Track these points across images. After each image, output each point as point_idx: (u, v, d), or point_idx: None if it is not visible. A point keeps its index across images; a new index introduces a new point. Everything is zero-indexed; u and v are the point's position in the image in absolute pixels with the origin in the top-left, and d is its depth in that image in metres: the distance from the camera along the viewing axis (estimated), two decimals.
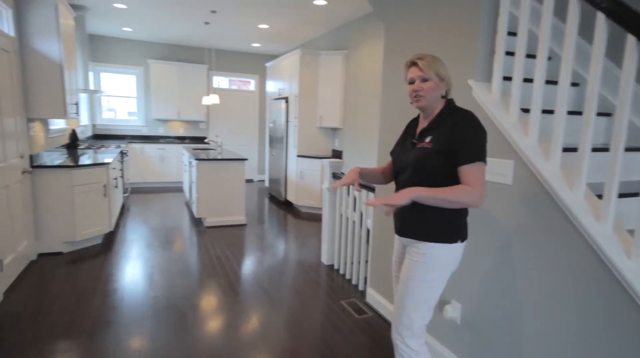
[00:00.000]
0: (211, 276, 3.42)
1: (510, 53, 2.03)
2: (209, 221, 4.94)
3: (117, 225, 4.83)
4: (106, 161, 4.11)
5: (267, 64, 7.21)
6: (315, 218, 5.61)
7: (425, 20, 2.35)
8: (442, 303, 2.19)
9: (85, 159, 4.15)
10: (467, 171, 1.46)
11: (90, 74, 6.91)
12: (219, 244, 4.30)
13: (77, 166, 3.69)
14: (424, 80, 1.53)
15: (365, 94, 5.20)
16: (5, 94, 3.06)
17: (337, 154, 5.96)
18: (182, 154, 7.21)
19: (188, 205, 6.04)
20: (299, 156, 5.85)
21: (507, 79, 1.98)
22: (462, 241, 1.59)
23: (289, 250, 4.21)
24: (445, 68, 1.55)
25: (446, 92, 1.59)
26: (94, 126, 7.36)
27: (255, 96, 8.53)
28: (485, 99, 1.94)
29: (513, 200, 1.81)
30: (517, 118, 1.85)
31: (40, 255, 3.67)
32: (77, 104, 3.96)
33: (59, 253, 3.74)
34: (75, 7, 5.12)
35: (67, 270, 3.39)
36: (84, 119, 6.68)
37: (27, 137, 3.50)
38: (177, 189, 7.37)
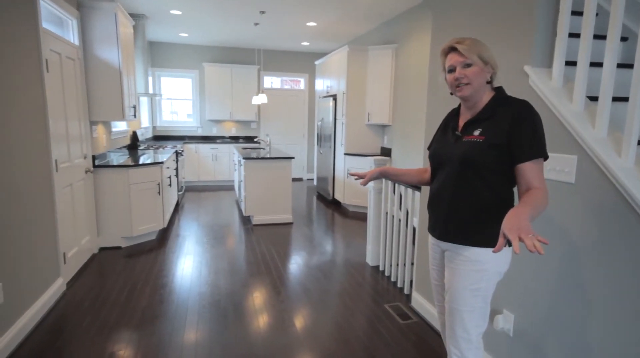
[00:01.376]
0: (256, 274, 3.45)
1: (573, 35, 1.80)
2: (257, 219, 5.02)
3: (171, 221, 5.06)
4: (160, 160, 4.31)
5: (316, 62, 7.19)
6: (362, 218, 5.49)
7: (475, 5, 2.16)
8: (492, 313, 1.99)
9: (142, 159, 4.39)
10: (530, 169, 1.31)
11: (150, 79, 7.34)
12: (265, 242, 4.35)
13: (133, 165, 3.90)
14: (467, 65, 1.37)
15: (415, 89, 4.98)
16: (71, 99, 3.31)
17: (385, 152, 5.79)
18: (233, 153, 7.43)
19: (238, 203, 6.20)
20: (346, 154, 5.76)
21: (570, 64, 1.75)
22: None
23: (334, 250, 4.14)
24: (489, 50, 1.39)
25: (491, 77, 1.41)
26: (154, 127, 7.82)
27: (305, 95, 8.57)
28: (544, 87, 1.72)
29: (575, 201, 1.59)
30: (582, 107, 1.62)
31: (102, 249, 3.93)
32: (134, 107, 4.21)
33: (118, 248, 3.99)
34: (134, 15, 5.44)
35: (124, 264, 3.60)
36: (145, 121, 7.11)
37: (90, 139, 3.76)
38: (229, 187, 7.61)
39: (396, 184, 3.23)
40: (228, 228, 4.84)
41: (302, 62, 8.40)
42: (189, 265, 3.60)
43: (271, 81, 8.56)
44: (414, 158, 5.01)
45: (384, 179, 3.48)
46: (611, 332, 1.45)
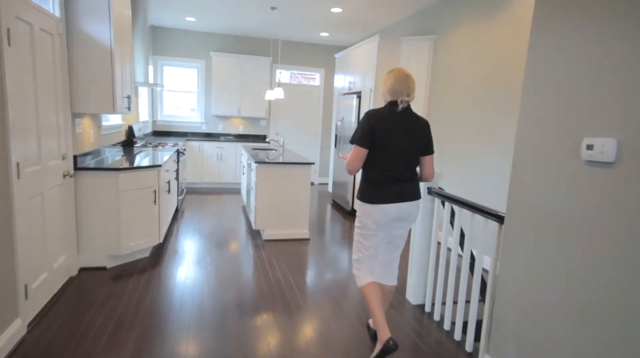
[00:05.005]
0: (268, 307, 2.73)
1: None
2: (268, 233, 4.31)
3: (169, 232, 4.35)
4: (158, 163, 3.60)
5: (337, 55, 6.46)
6: None
7: None
8: None
9: (137, 160, 3.68)
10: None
11: (151, 68, 6.63)
12: (278, 263, 3.63)
13: (124, 168, 3.19)
14: None
15: (458, 86, 4.26)
16: (46, 83, 2.59)
17: None
18: (240, 153, 6.71)
19: (245, 211, 5.49)
20: None
21: None
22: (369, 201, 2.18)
23: None
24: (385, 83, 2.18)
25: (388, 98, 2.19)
26: (154, 122, 7.11)
27: (320, 91, 7.85)
28: None
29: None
30: None
31: (83, 269, 3.22)
32: (129, 97, 3.49)
33: (103, 268, 3.28)
34: None
35: (109, 290, 2.89)
36: (144, 115, 6.40)
37: (72, 135, 3.05)
38: (234, 190, 6.90)
39: (454, 206, 2.52)
40: (234, 243, 4.13)
41: (320, 55, 7.67)
42: (187, 294, 2.89)
43: (283, 75, 7.84)
44: (454, 162, 4.29)
45: (435, 199, 2.77)
46: None
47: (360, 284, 2.22)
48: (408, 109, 2.17)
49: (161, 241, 3.70)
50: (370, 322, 2.51)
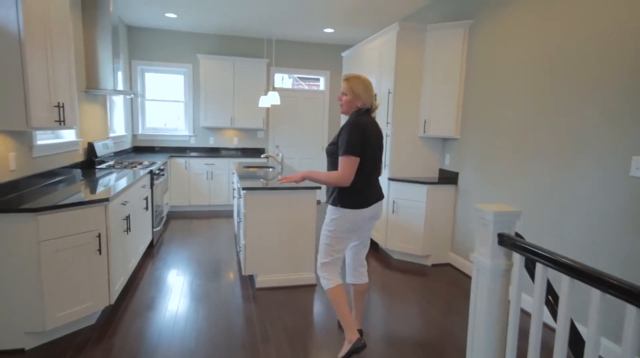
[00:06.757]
0: None
1: None
2: (262, 279, 3.30)
3: (133, 281, 3.35)
4: (112, 193, 2.63)
5: (344, 54, 5.50)
6: (414, 271, 3.76)
7: None
8: None
9: (81, 192, 2.71)
10: (340, 160, 2.15)
11: (123, 74, 5.71)
12: (276, 327, 2.62)
13: (46, 208, 2.21)
14: (344, 94, 2.25)
15: (509, 83, 3.26)
16: None
17: (447, 177, 4.06)
18: (232, 172, 5.74)
19: (237, 241, 4.49)
20: (391, 179, 4.03)
21: None
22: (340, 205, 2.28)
23: (400, 342, 2.40)
24: (360, 86, 2.22)
25: (362, 105, 2.24)
26: (134, 136, 6.17)
27: (325, 97, 6.88)
28: None
29: None
30: None
31: None
32: (62, 107, 2.52)
33: (20, 351, 2.28)
34: None
35: None
36: (120, 128, 5.46)
37: None
38: (227, 213, 5.91)
39: (542, 266, 1.51)
40: (218, 296, 3.12)
41: (323, 56, 6.72)
42: None
43: (282, 78, 6.90)
44: (499, 186, 3.26)
45: (515, 254, 1.75)
46: None
47: (328, 286, 2.30)
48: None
49: (112, 302, 2.70)
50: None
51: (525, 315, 2.91)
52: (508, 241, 1.75)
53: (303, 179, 2.29)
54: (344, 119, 5.02)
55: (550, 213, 2.82)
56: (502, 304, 1.84)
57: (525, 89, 3.06)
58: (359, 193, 2.20)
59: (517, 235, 1.79)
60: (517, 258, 1.71)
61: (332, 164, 2.25)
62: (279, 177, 2.71)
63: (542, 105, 2.91)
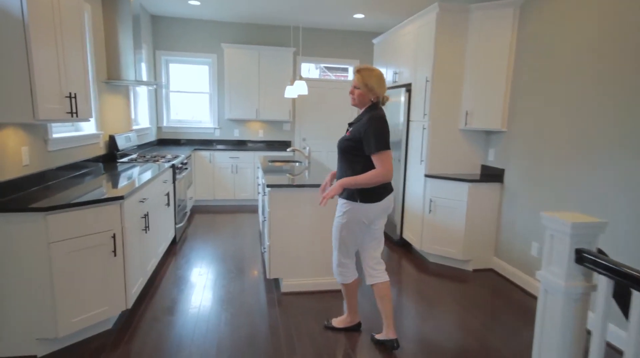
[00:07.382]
0: None
1: None
2: (288, 283, 3.07)
3: (152, 282, 3.20)
4: (131, 190, 2.45)
5: (375, 40, 5.15)
6: (453, 276, 3.44)
7: None
8: None
9: (103, 187, 2.54)
10: (374, 158, 2.10)
11: (147, 65, 5.59)
12: (302, 335, 2.39)
13: (56, 207, 2.04)
14: (356, 87, 2.19)
15: (563, 73, 2.86)
16: None
17: (490, 174, 3.69)
18: (257, 166, 5.53)
19: (262, 240, 4.28)
20: (428, 175, 3.70)
21: None
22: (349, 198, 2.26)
23: (426, 345, 2.12)
24: (373, 79, 2.16)
25: (375, 98, 2.19)
26: (159, 129, 6.06)
27: None
28: None
29: None
30: None
31: None
32: (74, 97, 2.34)
33: None
34: None
35: None
36: (144, 120, 5.35)
37: None
38: (252, 208, 5.72)
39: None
40: (240, 300, 2.91)
41: (353, 43, 6.38)
42: None
43: (309, 70, 6.62)
44: (553, 184, 2.88)
45: (595, 274, 1.42)
46: None
47: (346, 281, 2.40)
48: None
49: (129, 307, 2.53)
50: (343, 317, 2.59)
51: (611, 349, 2.45)
52: (589, 260, 1.42)
53: (343, 189, 2.16)
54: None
55: (626, 223, 2.43)
56: (577, 334, 1.52)
57: (590, 77, 2.65)
58: (373, 187, 2.17)
59: (599, 251, 1.46)
60: (604, 282, 1.38)
61: (347, 161, 2.22)
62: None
63: (612, 94, 2.50)
